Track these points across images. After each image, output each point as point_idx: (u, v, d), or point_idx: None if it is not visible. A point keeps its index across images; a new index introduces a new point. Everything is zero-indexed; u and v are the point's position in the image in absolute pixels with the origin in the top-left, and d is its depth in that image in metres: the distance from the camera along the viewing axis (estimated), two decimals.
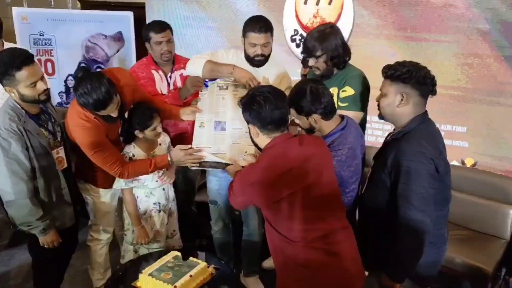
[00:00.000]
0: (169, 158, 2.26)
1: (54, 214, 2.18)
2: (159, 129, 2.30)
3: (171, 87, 2.79)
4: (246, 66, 2.37)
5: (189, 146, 2.28)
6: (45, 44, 3.90)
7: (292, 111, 1.92)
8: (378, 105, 1.85)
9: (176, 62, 2.82)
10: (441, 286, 2.84)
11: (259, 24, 2.30)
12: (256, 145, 1.81)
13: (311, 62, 2.23)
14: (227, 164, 2.17)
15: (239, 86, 2.31)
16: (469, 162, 3.14)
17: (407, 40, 3.19)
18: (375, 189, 1.87)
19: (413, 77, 1.72)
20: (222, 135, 2.30)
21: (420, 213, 1.69)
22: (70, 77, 3.97)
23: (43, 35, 3.87)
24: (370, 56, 3.30)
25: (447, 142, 3.11)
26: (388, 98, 1.78)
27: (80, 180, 2.41)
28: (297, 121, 1.96)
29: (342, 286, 1.68)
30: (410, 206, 1.69)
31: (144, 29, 2.73)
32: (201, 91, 2.42)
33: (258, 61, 2.38)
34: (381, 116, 1.87)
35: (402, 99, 1.75)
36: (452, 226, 2.91)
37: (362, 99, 2.20)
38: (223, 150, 2.27)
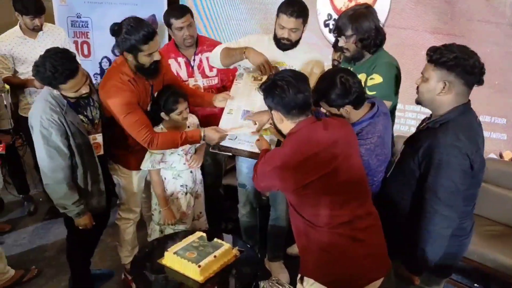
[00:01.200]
0: (202, 134, 2.25)
1: (89, 199, 2.24)
2: (186, 114, 2.31)
3: (196, 69, 2.78)
4: (274, 48, 2.35)
5: (226, 132, 2.28)
6: (82, 26, 3.98)
7: (323, 103, 1.87)
8: (418, 89, 1.75)
9: (200, 44, 2.80)
10: (471, 282, 2.77)
11: (292, 8, 2.25)
12: (279, 131, 1.78)
13: (341, 42, 2.17)
14: (250, 152, 2.19)
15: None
16: (507, 156, 3.00)
17: (446, 26, 3.05)
18: (402, 176, 1.81)
19: (460, 65, 1.59)
20: (248, 123, 2.28)
21: (447, 208, 1.63)
22: (105, 59, 4.04)
23: (80, 17, 3.95)
24: (406, 42, 3.20)
25: (485, 133, 3.01)
26: (429, 84, 1.67)
27: (109, 161, 2.46)
28: (323, 110, 1.91)
29: (365, 273, 1.65)
30: (437, 200, 1.63)
31: (165, 15, 2.72)
32: (236, 79, 2.43)
33: (283, 44, 2.34)
34: (418, 102, 1.78)
35: (444, 87, 1.64)
36: (485, 221, 2.83)
37: (390, 88, 2.13)
38: (242, 138, 2.29)
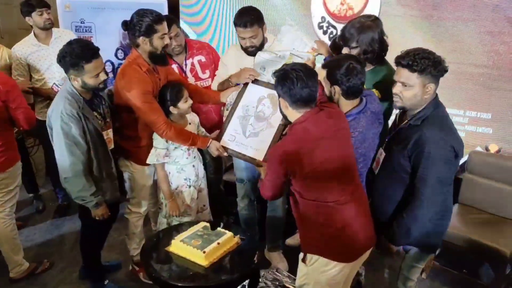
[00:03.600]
0: (208, 144, 2.45)
1: (104, 191, 2.38)
2: (190, 100, 2.47)
3: (189, 73, 2.92)
4: (243, 56, 2.57)
5: (225, 150, 2.48)
6: (86, 31, 4.11)
7: (324, 71, 1.98)
8: (398, 96, 1.90)
9: (189, 48, 2.94)
10: (459, 268, 2.92)
11: (243, 20, 2.43)
12: (285, 117, 1.91)
13: (345, 50, 2.22)
14: (251, 158, 2.38)
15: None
16: (493, 148, 3.14)
17: (434, 27, 3.20)
18: (392, 172, 1.99)
19: (436, 67, 1.81)
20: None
21: (435, 195, 1.86)
22: (108, 63, 4.17)
23: (84, 23, 4.09)
24: (398, 44, 3.32)
25: (471, 128, 3.19)
26: (414, 89, 1.85)
27: (120, 157, 2.59)
28: (323, 81, 2.00)
29: (359, 245, 1.88)
30: (427, 187, 1.85)
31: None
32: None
33: (251, 51, 2.53)
34: (401, 107, 1.94)
35: (428, 90, 1.85)
36: (473, 210, 2.98)
37: (386, 103, 2.23)
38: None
